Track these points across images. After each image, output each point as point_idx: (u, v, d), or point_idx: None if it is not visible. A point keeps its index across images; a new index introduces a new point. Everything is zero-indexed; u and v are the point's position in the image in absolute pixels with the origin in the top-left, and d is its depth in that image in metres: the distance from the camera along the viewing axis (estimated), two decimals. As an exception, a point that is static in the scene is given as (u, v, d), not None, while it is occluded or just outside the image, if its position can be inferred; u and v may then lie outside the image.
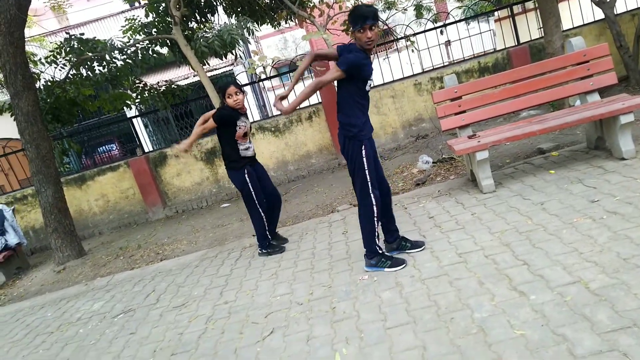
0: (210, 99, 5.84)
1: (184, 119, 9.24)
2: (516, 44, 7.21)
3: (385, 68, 7.45)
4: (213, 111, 3.88)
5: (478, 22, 8.27)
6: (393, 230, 3.33)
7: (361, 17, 2.65)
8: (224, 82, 3.65)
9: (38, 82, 6.49)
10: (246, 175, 3.91)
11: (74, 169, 12.45)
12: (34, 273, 6.34)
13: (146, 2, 6.95)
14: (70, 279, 5.44)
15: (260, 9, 7.29)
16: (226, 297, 3.44)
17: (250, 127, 3.91)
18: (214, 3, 7.02)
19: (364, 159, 2.98)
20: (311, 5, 6.93)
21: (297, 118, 7.31)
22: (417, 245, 3.27)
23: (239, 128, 3.83)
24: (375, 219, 3.07)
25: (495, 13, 12.75)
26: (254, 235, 4.89)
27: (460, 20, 7.53)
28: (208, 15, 7.24)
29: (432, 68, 7.45)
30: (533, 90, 4.25)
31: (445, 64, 8.47)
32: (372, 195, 3.03)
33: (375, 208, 3.04)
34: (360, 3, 6.11)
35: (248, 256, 4.22)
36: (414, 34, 6.90)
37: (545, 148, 4.81)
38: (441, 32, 7.92)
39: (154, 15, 6.78)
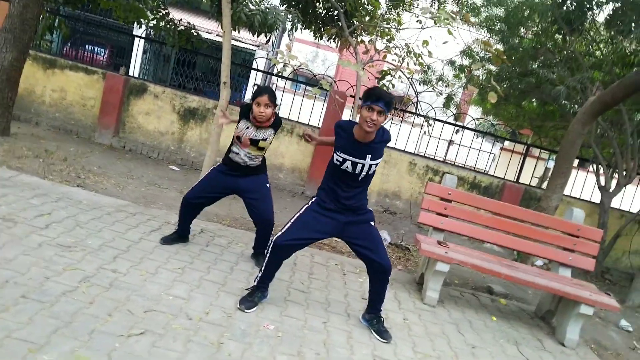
0: (219, 64, 5.45)
1: (184, 66, 8.73)
2: (515, 180, 7.22)
3: (393, 132, 7.32)
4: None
5: (493, 142, 8.31)
6: (375, 308, 3.05)
7: (375, 97, 2.57)
8: (262, 87, 3.20)
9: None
10: (214, 168, 3.49)
11: (54, 50, 11.58)
12: (-57, 124, 5.59)
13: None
14: (-25, 151, 4.79)
15: (313, 14, 7.05)
16: (118, 265, 2.98)
17: (256, 143, 3.31)
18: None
19: (303, 209, 2.88)
20: (360, 39, 6.74)
21: (289, 129, 6.99)
22: (384, 335, 2.95)
23: (237, 127, 3.35)
24: (266, 258, 2.84)
25: (506, 142, 13.10)
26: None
27: (472, 129, 7.57)
28: (264, -12, 6.94)
29: (432, 157, 7.35)
30: (515, 232, 4.12)
31: (440, 158, 8.43)
32: (277, 235, 2.81)
33: (270, 247, 2.81)
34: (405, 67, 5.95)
35: (165, 234, 3.75)
36: (435, 119, 6.80)
37: (495, 291, 4.65)
38: (457, 132, 7.90)
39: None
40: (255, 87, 3.48)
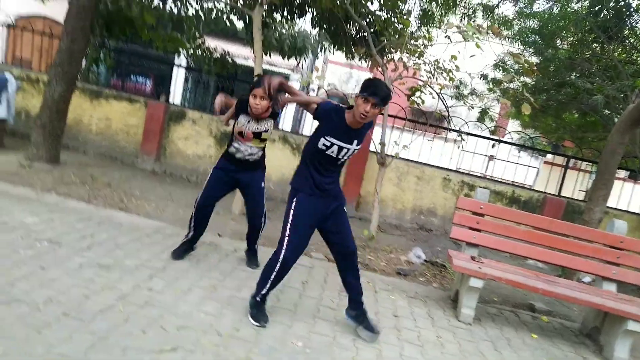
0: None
1: (225, 93, 9.03)
2: (557, 194, 6.97)
3: (425, 148, 7.26)
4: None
5: (532, 155, 8.07)
6: (354, 300, 3.01)
7: (371, 89, 2.54)
8: (259, 79, 3.29)
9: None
10: (215, 167, 3.57)
11: (102, 82, 12.27)
12: (2, 155, 6.02)
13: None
14: (28, 179, 5.12)
15: (343, 35, 7.18)
16: (153, 284, 3.10)
17: (259, 135, 3.45)
18: (307, 8, 6.93)
19: (291, 213, 2.79)
20: (389, 57, 6.80)
21: (321, 148, 7.06)
22: (373, 330, 2.95)
23: (238, 123, 3.44)
24: (274, 275, 2.80)
25: (548, 156, 12.68)
26: (219, 235, 4.59)
27: (519, 145, 7.36)
28: (295, 15, 7.14)
29: (468, 172, 7.22)
30: (553, 246, 3.97)
31: (479, 174, 8.26)
32: (282, 251, 2.77)
33: (278, 265, 2.77)
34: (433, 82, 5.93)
35: (201, 254, 3.88)
36: (468, 134, 6.71)
37: (537, 307, 4.48)
38: (493, 146, 7.75)
39: (248, -12, 6.68)
40: (255, 78, 3.55)
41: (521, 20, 7.60)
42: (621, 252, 3.85)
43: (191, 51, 7.07)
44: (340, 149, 2.69)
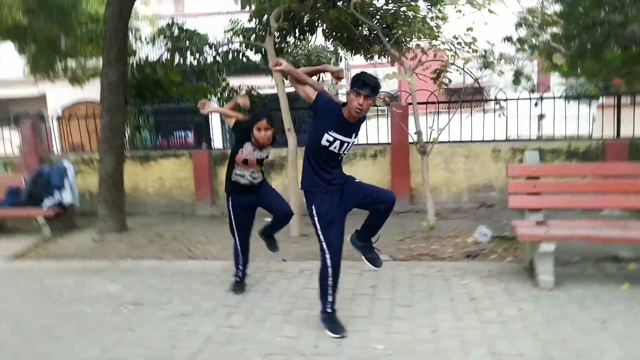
0: (281, 112, 5.81)
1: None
2: (615, 136, 6.59)
3: (466, 125, 7.11)
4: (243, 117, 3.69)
5: (579, 104, 7.68)
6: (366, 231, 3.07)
7: (361, 82, 2.62)
8: (258, 112, 3.41)
9: (133, 56, 6.77)
10: (230, 203, 3.70)
11: (150, 146, 13.01)
12: (76, 236, 6.52)
13: (253, 8, 7.13)
14: (103, 252, 5.51)
15: (357, 39, 7.24)
16: (233, 320, 3.25)
17: (261, 161, 3.59)
18: (316, 24, 7.06)
19: (315, 217, 2.83)
20: (405, 47, 6.77)
21: (362, 153, 7.12)
22: (376, 263, 3.06)
23: (242, 151, 3.50)
24: (330, 281, 2.85)
25: (600, 99, 11.98)
26: (284, 260, 4.71)
27: (560, 97, 7.04)
28: (307, 33, 7.30)
29: (516, 139, 7.00)
30: (622, 191, 3.77)
31: (532, 138, 7.95)
32: (327, 257, 2.80)
33: (330, 270, 2.80)
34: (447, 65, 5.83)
35: (269, 281, 4.02)
36: (506, 99, 6.52)
37: (623, 256, 4.24)
38: (535, 104, 7.45)
39: (257, 22, 6.92)
40: (252, 113, 3.67)
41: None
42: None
43: (219, 95, 7.37)
44: (342, 143, 2.75)
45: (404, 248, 5.07)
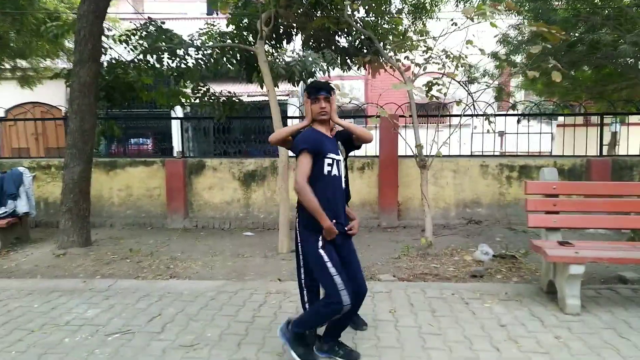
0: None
1: (223, 134, 8.83)
2: (598, 154, 6.71)
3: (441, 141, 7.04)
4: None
5: (541, 122, 7.83)
6: (334, 335, 2.76)
7: (315, 89, 2.72)
8: (312, 86, 2.87)
9: (103, 56, 6.21)
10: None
11: (101, 152, 12.13)
12: (32, 249, 5.82)
13: (229, 14, 6.76)
14: (68, 269, 4.90)
15: (337, 49, 6.98)
16: (245, 352, 2.85)
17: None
18: (292, 32, 6.75)
19: (326, 261, 2.53)
20: (395, 58, 6.62)
21: (349, 165, 6.84)
22: (350, 356, 2.69)
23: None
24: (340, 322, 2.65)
25: (559, 118, 12.42)
26: (279, 280, 4.34)
27: (521, 115, 7.18)
28: (284, 42, 6.98)
29: (502, 154, 6.99)
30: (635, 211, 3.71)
31: (495, 153, 7.94)
32: (340, 296, 2.48)
33: (344, 308, 2.48)
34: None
35: (274, 305, 3.63)
36: (495, 114, 6.48)
37: (630, 279, 4.19)
38: (518, 121, 7.50)
39: (234, 27, 6.57)
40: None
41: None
42: None
43: (197, 100, 6.89)
44: (338, 162, 2.68)
45: (403, 267, 4.83)
